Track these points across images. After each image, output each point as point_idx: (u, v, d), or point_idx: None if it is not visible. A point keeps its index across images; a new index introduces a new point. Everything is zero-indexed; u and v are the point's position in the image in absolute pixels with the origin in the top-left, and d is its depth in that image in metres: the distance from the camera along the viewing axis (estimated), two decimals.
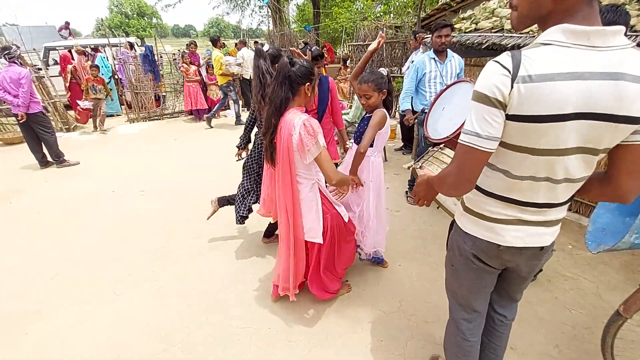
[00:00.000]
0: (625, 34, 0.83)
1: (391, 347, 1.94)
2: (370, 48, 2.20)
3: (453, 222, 1.31)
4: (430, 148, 1.62)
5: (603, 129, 0.83)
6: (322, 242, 1.96)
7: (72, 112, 7.42)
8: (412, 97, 3.54)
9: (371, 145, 2.16)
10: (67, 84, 7.74)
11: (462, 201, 1.19)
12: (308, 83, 1.74)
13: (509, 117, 0.87)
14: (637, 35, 2.56)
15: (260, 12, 18.68)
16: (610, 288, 2.33)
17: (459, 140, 0.95)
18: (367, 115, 2.23)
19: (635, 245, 1.37)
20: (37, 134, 4.81)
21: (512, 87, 0.82)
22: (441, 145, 1.54)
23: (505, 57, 0.84)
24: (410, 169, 1.67)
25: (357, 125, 3.48)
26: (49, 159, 5.08)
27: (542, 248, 1.09)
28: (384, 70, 2.39)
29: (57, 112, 6.99)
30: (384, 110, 2.16)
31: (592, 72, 0.79)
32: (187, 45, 8.10)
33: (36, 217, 3.59)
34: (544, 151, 0.89)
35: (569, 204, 1.05)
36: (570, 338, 1.96)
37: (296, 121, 1.68)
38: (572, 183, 0.97)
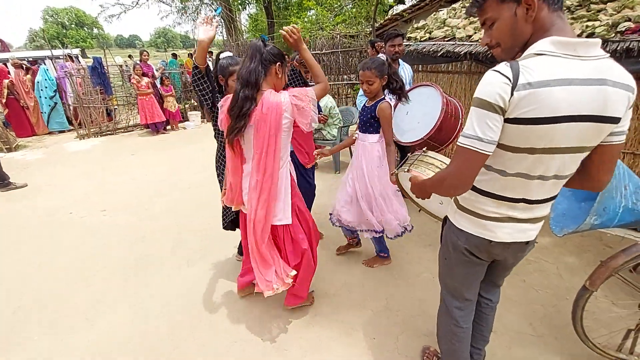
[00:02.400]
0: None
1: (384, 344, 2.00)
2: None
3: (445, 220, 1.41)
4: (410, 154, 1.71)
5: (591, 129, 0.95)
6: (290, 223, 1.90)
7: (13, 132, 6.78)
8: None
9: (377, 132, 2.27)
10: (4, 100, 7.06)
11: (456, 200, 1.28)
12: (279, 63, 1.72)
13: (508, 121, 0.95)
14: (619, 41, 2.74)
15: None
16: (568, 268, 2.59)
17: (458, 143, 1.03)
18: (369, 104, 2.29)
19: (594, 226, 1.55)
20: None
21: (512, 94, 0.91)
22: (424, 149, 1.64)
23: (504, 67, 0.93)
24: (394, 175, 1.74)
25: (329, 124, 3.59)
26: None
27: (527, 242, 1.22)
28: (382, 56, 2.47)
29: None
30: (386, 99, 2.24)
31: (580, 78, 0.90)
32: (140, 54, 7.75)
33: None
34: (542, 150, 0.98)
35: (553, 201, 1.17)
36: (541, 316, 2.16)
37: (283, 99, 1.64)
38: (560, 180, 1.09)
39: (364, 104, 2.35)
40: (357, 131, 2.44)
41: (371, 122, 2.28)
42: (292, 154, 2.74)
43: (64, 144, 6.94)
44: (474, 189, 1.17)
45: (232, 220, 2.51)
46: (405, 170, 1.61)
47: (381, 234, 2.47)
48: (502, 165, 1.07)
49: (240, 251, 2.80)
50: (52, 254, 3.05)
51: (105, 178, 5.00)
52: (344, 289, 2.48)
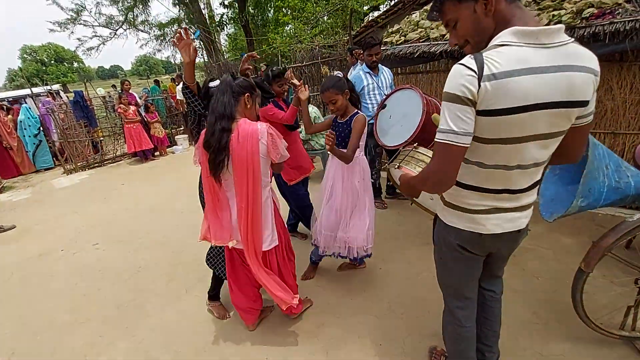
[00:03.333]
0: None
1: (391, 349, 1.98)
2: (303, 97, 2.38)
3: (436, 218, 1.41)
4: (401, 149, 1.73)
5: (560, 114, 0.97)
6: (278, 244, 1.94)
7: None
8: None
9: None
10: None
11: (442, 197, 1.29)
12: (248, 94, 1.77)
13: (479, 113, 0.97)
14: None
15: None
16: (564, 252, 2.62)
17: (436, 140, 1.04)
18: (342, 120, 2.30)
19: (582, 208, 1.58)
20: None
21: (479, 85, 0.93)
22: (415, 145, 1.66)
23: (469, 60, 0.95)
24: (386, 169, 1.76)
25: (317, 134, 3.55)
26: None
27: (519, 231, 1.22)
28: (339, 73, 2.52)
29: None
30: (361, 113, 2.25)
31: (544, 66, 0.91)
32: (121, 84, 7.75)
33: None
34: (514, 139, 1.00)
35: (537, 187, 1.19)
36: (543, 302, 2.16)
37: (260, 127, 1.70)
38: (539, 167, 1.11)
39: (336, 120, 2.35)
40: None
41: (345, 137, 2.28)
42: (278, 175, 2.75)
43: (51, 181, 6.84)
44: (457, 183, 1.18)
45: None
46: (396, 166, 1.62)
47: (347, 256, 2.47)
48: (480, 158, 1.09)
49: (213, 296, 2.48)
50: (45, 296, 2.97)
51: (97, 211, 4.93)
52: (346, 296, 2.46)
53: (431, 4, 1.10)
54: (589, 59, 0.96)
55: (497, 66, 0.91)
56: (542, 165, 1.11)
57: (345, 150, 2.17)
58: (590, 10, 2.75)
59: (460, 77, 0.95)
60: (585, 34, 2.68)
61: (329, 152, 2.22)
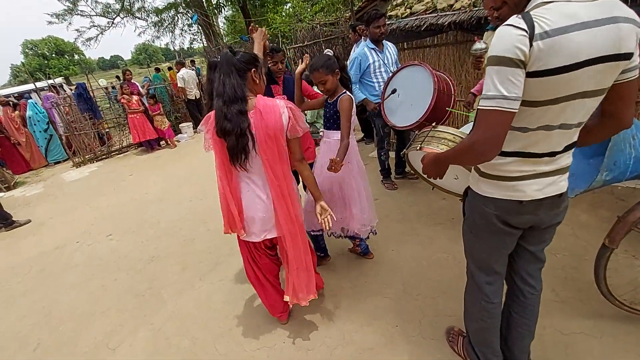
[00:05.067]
0: None
1: (408, 330, 1.97)
2: (299, 69, 2.19)
3: (466, 192, 1.35)
4: (417, 132, 1.66)
5: (608, 68, 0.93)
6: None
7: (10, 171, 6.78)
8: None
9: None
10: None
11: (477, 168, 1.23)
12: (254, 68, 1.65)
13: (529, 75, 0.92)
14: None
15: (190, 30, 18.13)
16: (582, 227, 2.55)
17: (480, 107, 0.99)
18: (330, 100, 2.19)
19: (607, 182, 1.50)
20: None
21: (531, 45, 0.88)
22: (433, 124, 1.59)
23: (517, 19, 0.90)
24: (403, 154, 1.69)
25: (322, 116, 3.36)
26: None
27: (560, 195, 1.17)
28: (329, 52, 2.39)
29: None
30: (347, 93, 2.13)
31: (594, 19, 0.89)
32: (122, 73, 7.67)
33: None
34: (564, 97, 0.96)
35: (573, 148, 1.14)
36: (562, 280, 2.12)
37: (279, 102, 1.63)
38: (580, 127, 1.06)
39: (327, 100, 2.23)
40: (322, 129, 2.34)
41: (334, 118, 2.18)
42: None
43: (61, 175, 6.92)
44: None
45: None
46: (418, 148, 1.55)
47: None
48: (524, 122, 1.04)
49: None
50: (65, 287, 3.03)
51: (107, 202, 4.98)
52: (359, 279, 2.44)
53: None
54: (631, 11, 0.93)
55: (549, 23, 0.88)
56: (583, 125, 1.07)
57: (342, 148, 2.03)
58: None
59: (510, 37, 0.90)
60: None
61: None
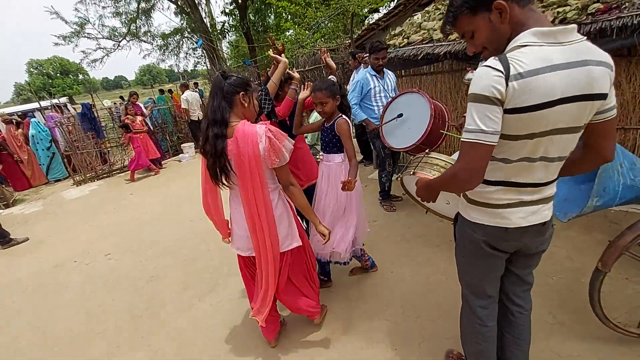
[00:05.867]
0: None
1: (406, 353, 1.97)
2: (302, 96, 2.32)
3: (457, 217, 1.41)
4: (412, 157, 1.74)
5: (583, 107, 1.01)
6: (301, 244, 1.91)
7: (10, 188, 6.80)
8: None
9: (341, 152, 2.26)
10: None
11: (465, 195, 1.30)
12: (242, 92, 1.66)
13: (507, 111, 1.00)
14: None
15: (194, 53, 18.65)
16: (577, 250, 2.59)
17: (462, 139, 1.06)
18: (327, 125, 2.27)
19: (597, 207, 1.57)
20: None
21: (507, 85, 0.96)
22: (427, 151, 1.66)
23: (494, 61, 0.98)
24: (398, 179, 1.77)
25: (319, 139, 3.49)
26: None
27: (544, 223, 1.23)
28: (333, 78, 2.50)
29: None
30: (343, 116, 2.23)
31: (565, 62, 0.96)
32: (129, 95, 7.88)
33: None
34: (540, 133, 1.03)
35: (557, 180, 1.20)
36: (559, 302, 2.14)
37: (259, 129, 1.62)
38: (562, 160, 1.13)
39: (324, 125, 2.31)
40: (321, 152, 2.42)
41: (333, 141, 2.27)
42: None
43: (61, 193, 6.93)
44: (484, 180, 1.18)
45: None
46: (411, 173, 1.62)
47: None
48: (505, 154, 1.11)
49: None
50: (62, 307, 3.01)
51: (107, 221, 4.99)
52: (358, 301, 2.46)
53: (443, 18, 1.13)
54: (604, 54, 1.01)
55: (523, 65, 0.95)
56: (565, 158, 1.14)
57: (352, 170, 2.12)
58: (596, 6, 2.73)
59: (488, 78, 0.98)
60: (591, 29, 2.65)
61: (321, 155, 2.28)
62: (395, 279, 2.63)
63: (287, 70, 2.44)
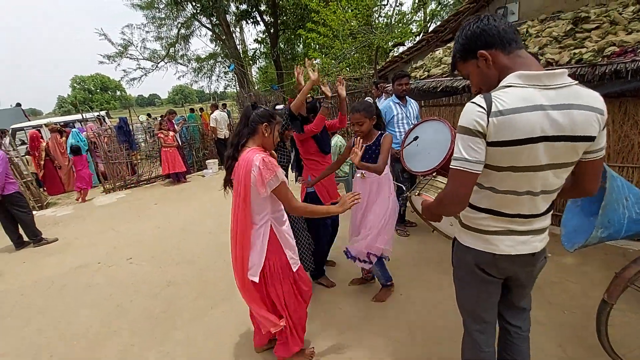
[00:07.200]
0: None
1: None
2: (341, 93, 2.61)
3: (454, 241, 1.48)
4: (421, 178, 1.84)
5: (564, 147, 1.08)
6: (257, 281, 1.90)
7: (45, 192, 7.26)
8: None
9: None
10: (42, 162, 7.68)
11: (459, 219, 1.38)
12: (266, 123, 1.84)
13: (490, 144, 1.09)
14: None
15: (225, 77, 19.72)
16: (593, 286, 2.55)
17: (450, 166, 1.16)
18: (369, 143, 2.46)
19: (602, 239, 1.60)
20: (14, 214, 4.67)
21: (488, 120, 1.06)
22: (433, 174, 1.77)
23: (479, 99, 1.10)
24: (407, 197, 1.87)
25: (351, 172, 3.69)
26: (25, 239, 4.89)
27: (533, 254, 1.27)
28: (369, 99, 2.71)
29: (30, 191, 6.81)
30: (388, 132, 2.41)
31: (547, 104, 1.03)
32: (168, 113, 8.54)
33: (20, 300, 3.40)
34: (522, 168, 1.11)
35: (550, 213, 1.26)
36: (570, 337, 2.11)
37: (255, 158, 1.73)
38: (548, 194, 1.19)
39: (365, 144, 2.46)
40: (361, 171, 2.53)
41: (373, 157, 2.43)
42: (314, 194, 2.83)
43: (91, 199, 7.33)
44: (473, 206, 1.27)
45: None
46: (416, 194, 1.73)
47: (380, 258, 2.56)
48: (492, 183, 1.19)
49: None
50: (82, 305, 3.18)
51: (131, 228, 5.24)
52: (365, 320, 2.49)
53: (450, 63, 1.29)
54: (593, 98, 1.07)
55: (504, 104, 1.05)
56: (551, 193, 1.19)
57: (373, 165, 2.33)
58: (612, 49, 2.83)
59: (471, 113, 1.09)
60: (607, 70, 2.74)
61: (356, 172, 2.36)
62: (404, 301, 2.66)
63: (321, 86, 2.71)
